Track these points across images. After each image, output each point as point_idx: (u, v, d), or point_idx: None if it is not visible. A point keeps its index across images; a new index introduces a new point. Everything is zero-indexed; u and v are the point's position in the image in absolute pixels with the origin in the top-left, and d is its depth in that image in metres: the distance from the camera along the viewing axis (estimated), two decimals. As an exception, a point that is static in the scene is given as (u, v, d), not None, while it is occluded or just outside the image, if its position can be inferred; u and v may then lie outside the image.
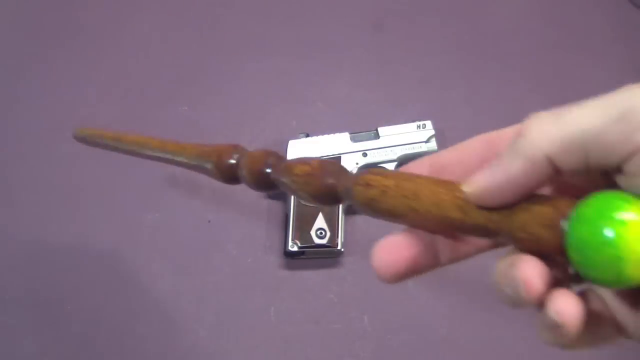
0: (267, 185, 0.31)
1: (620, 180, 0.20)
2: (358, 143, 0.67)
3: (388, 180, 0.24)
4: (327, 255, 0.63)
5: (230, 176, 0.33)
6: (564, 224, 0.19)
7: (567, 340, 0.20)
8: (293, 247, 0.61)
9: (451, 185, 0.23)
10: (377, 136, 0.67)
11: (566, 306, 0.19)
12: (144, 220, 0.66)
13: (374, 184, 0.25)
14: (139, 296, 0.62)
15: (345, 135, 0.67)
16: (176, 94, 0.74)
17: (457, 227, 0.23)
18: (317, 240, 0.61)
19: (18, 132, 0.72)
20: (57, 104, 0.73)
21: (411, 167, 0.26)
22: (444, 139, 0.69)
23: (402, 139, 0.66)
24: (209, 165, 0.34)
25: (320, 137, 0.67)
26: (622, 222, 0.17)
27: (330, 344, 0.60)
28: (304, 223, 0.61)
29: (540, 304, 0.20)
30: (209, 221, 0.66)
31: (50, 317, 0.61)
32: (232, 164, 0.33)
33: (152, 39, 0.79)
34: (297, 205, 0.62)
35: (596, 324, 0.22)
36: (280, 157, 0.31)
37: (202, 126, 0.72)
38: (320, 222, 0.61)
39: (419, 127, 0.67)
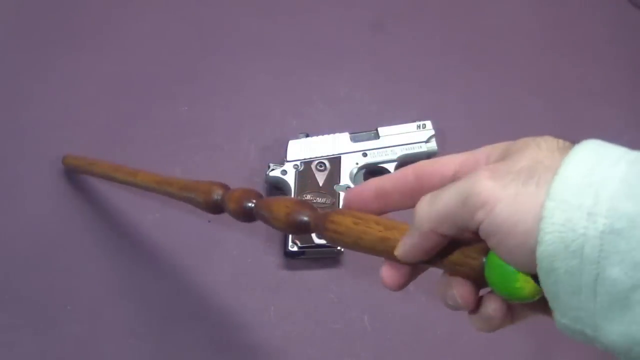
0: (249, 217, 0.41)
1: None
2: (358, 143, 0.67)
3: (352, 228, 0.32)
4: (327, 255, 0.63)
5: (216, 209, 0.44)
6: (484, 259, 0.27)
7: (496, 326, 0.29)
8: (293, 247, 0.61)
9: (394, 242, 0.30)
10: (377, 136, 0.67)
11: (497, 306, 0.28)
12: (144, 220, 0.66)
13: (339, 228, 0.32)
14: (138, 296, 0.62)
15: (345, 135, 0.67)
16: (176, 94, 0.74)
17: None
18: (317, 240, 0.61)
19: (17, 132, 0.72)
20: (56, 103, 0.73)
21: (360, 188, 0.33)
22: (444, 139, 0.69)
23: (402, 139, 0.66)
24: (199, 199, 0.45)
25: (320, 137, 0.67)
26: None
27: (330, 344, 0.60)
28: (304, 223, 0.61)
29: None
30: (209, 221, 0.66)
31: (50, 317, 0.61)
32: (218, 200, 0.43)
33: (152, 38, 0.79)
34: (297, 205, 0.62)
35: (512, 310, 0.30)
36: (259, 194, 0.41)
37: (202, 126, 0.72)
38: (320, 222, 0.61)
39: (419, 127, 0.67)
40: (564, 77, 0.76)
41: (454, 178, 0.29)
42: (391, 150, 0.66)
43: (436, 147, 0.66)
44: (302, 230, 0.36)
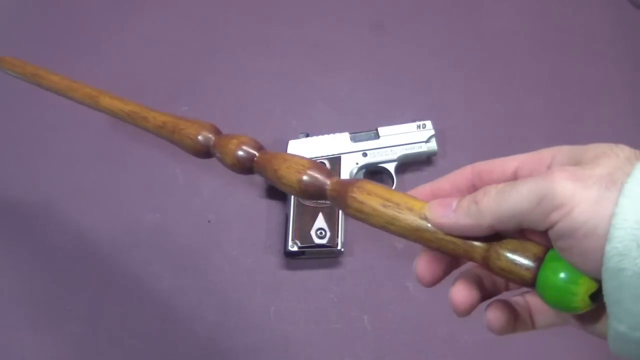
0: (246, 169, 0.37)
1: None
2: (358, 143, 0.67)
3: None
4: (327, 255, 0.63)
5: (204, 153, 0.39)
6: (539, 265, 0.25)
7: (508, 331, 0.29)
8: (293, 247, 0.61)
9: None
10: (377, 136, 0.67)
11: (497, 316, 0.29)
12: (144, 220, 0.66)
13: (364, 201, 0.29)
14: (139, 296, 0.62)
15: (345, 135, 0.67)
16: (176, 94, 0.74)
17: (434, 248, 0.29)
18: (317, 240, 0.61)
19: (18, 131, 0.72)
20: (56, 103, 0.73)
21: (414, 192, 0.31)
22: (444, 139, 0.69)
23: (402, 139, 0.66)
24: (187, 139, 0.40)
25: (320, 137, 0.67)
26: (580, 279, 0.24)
27: (330, 344, 0.60)
28: (304, 223, 0.61)
29: None
30: (209, 221, 0.66)
31: (50, 317, 0.61)
32: (210, 142, 0.38)
33: (152, 38, 0.79)
34: (297, 205, 0.62)
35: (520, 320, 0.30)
36: (262, 147, 0.37)
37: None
38: (320, 222, 0.61)
39: (419, 127, 0.67)
40: (564, 77, 0.76)
41: (514, 175, 0.28)
42: (391, 150, 0.66)
43: (436, 147, 0.66)
44: (315, 196, 0.33)
